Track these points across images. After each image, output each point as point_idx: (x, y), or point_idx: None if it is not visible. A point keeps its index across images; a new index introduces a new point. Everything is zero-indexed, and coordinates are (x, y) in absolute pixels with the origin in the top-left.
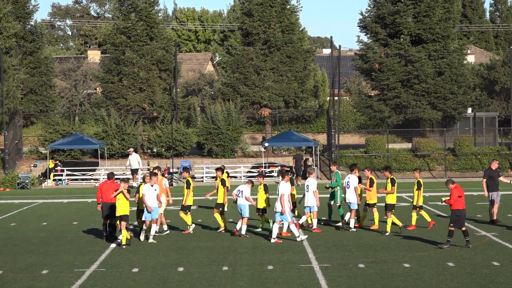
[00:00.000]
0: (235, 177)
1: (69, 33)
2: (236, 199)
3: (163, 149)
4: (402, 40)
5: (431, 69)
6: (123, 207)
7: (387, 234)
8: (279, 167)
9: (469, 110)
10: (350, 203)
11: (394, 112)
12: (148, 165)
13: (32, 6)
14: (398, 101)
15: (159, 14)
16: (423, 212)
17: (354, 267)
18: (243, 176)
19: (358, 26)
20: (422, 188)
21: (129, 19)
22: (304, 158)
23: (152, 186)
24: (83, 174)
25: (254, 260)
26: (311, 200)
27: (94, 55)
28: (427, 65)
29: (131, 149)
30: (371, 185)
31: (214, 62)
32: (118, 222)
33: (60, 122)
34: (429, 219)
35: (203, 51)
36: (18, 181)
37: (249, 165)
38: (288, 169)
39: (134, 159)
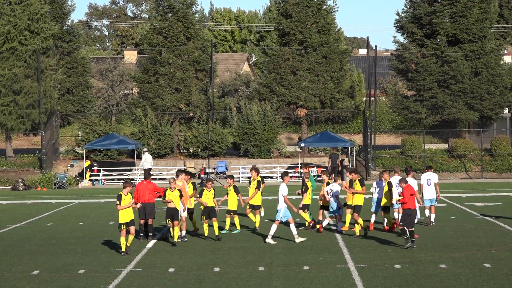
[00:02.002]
0: (271, 177)
1: (106, 33)
2: (329, 198)
3: (199, 150)
4: (438, 40)
5: (468, 69)
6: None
7: (354, 237)
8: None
9: (506, 110)
10: (430, 199)
11: (431, 113)
12: (184, 165)
13: (68, 6)
14: (434, 102)
15: (196, 15)
16: (386, 215)
17: (390, 268)
18: (279, 176)
19: (394, 26)
20: (393, 189)
21: (166, 20)
22: (340, 158)
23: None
24: (120, 174)
25: (290, 261)
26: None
27: (131, 56)
28: (463, 66)
29: (145, 149)
30: (351, 186)
31: (250, 62)
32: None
33: (96, 122)
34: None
35: (239, 51)
36: (55, 181)
37: (285, 165)
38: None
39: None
